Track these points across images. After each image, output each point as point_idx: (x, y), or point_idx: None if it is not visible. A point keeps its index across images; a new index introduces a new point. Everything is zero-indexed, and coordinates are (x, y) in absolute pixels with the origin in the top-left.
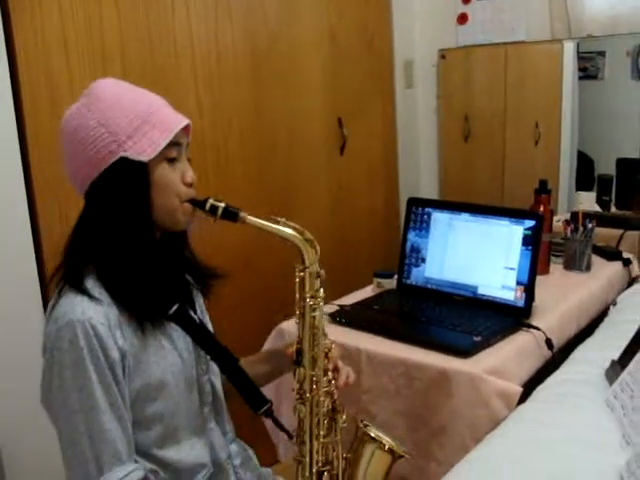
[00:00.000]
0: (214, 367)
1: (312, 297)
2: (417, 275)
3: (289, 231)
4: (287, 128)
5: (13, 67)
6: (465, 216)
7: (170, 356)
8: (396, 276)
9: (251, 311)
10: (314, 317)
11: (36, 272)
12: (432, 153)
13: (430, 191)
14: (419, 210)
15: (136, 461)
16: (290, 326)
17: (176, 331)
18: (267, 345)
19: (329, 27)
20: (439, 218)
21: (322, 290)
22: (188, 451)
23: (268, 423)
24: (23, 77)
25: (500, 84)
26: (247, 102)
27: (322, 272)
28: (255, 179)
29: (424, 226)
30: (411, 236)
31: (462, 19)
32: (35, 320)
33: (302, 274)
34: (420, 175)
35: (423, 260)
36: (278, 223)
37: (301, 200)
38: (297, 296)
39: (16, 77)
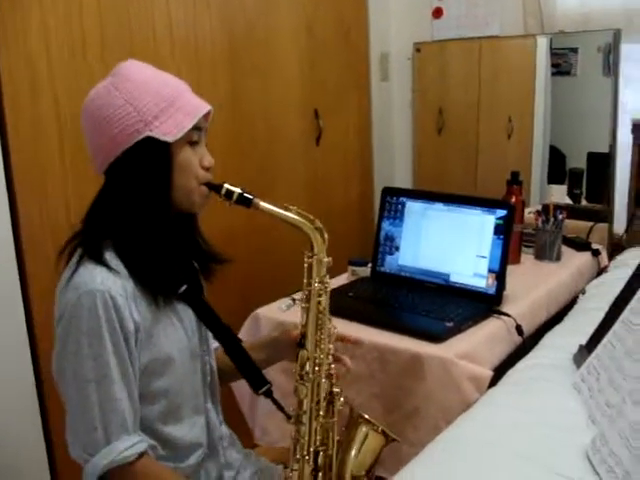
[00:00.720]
0: (211, 350)
1: (319, 282)
2: (391, 263)
3: (300, 219)
4: (264, 118)
5: None
6: (439, 205)
7: (178, 333)
8: (370, 264)
9: (231, 297)
10: (320, 302)
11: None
12: (407, 145)
13: (404, 182)
14: (393, 199)
15: (139, 434)
16: (266, 311)
17: (183, 310)
18: (243, 332)
19: (305, 18)
20: (413, 207)
21: (328, 277)
22: (188, 429)
23: (245, 408)
24: (2, 63)
25: (474, 78)
26: (225, 91)
27: (329, 260)
28: (232, 169)
29: (398, 215)
30: (385, 225)
31: (437, 13)
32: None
33: (310, 260)
34: (394, 166)
35: (397, 248)
36: (289, 211)
37: (278, 189)
38: (305, 281)
39: None
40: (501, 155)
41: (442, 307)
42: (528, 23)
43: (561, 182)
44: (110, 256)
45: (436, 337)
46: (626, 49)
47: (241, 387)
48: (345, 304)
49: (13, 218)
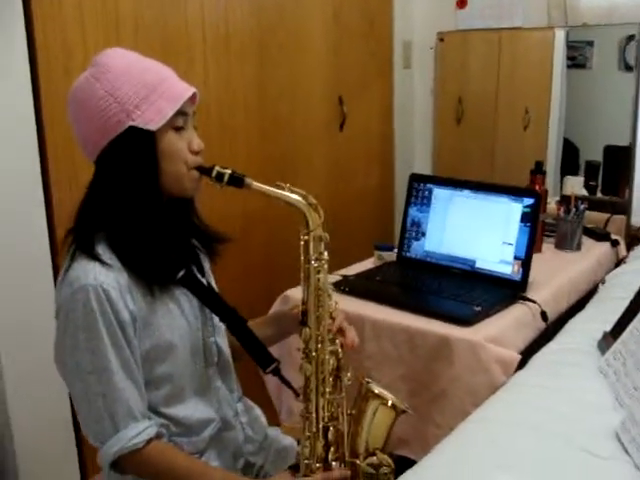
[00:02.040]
0: (221, 329)
1: (317, 260)
2: (417, 248)
3: (293, 196)
4: (290, 103)
5: (30, 34)
6: (466, 192)
7: (178, 319)
8: (396, 249)
9: (257, 279)
10: (318, 279)
11: (47, 241)
12: (427, 133)
13: (423, 169)
14: (420, 186)
15: (150, 418)
16: (295, 293)
17: (183, 295)
18: (273, 310)
19: (332, 6)
20: (440, 194)
21: (326, 253)
22: (193, 409)
23: (271, 387)
24: (40, 49)
25: (493, 69)
26: (252, 76)
27: (326, 235)
28: (257, 153)
29: (425, 201)
30: (412, 211)
31: (461, 3)
32: (46, 290)
33: (306, 237)
34: (414, 153)
35: (423, 234)
36: (283, 189)
37: (301, 173)
38: (302, 259)
39: (33, 43)
40: (518, 146)
41: (469, 292)
42: (552, 15)
43: (574, 174)
44: (102, 249)
45: (465, 321)
46: None
47: None
48: (373, 287)
49: (47, 207)
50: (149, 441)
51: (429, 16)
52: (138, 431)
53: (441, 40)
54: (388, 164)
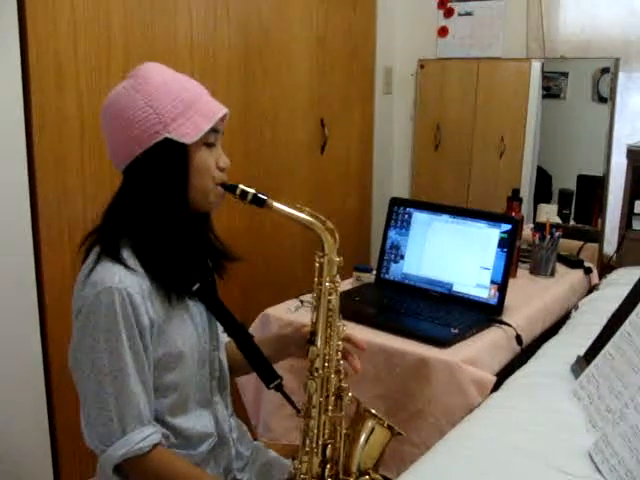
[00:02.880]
0: (221, 345)
1: (330, 282)
2: (395, 271)
3: (312, 220)
4: (273, 124)
5: (24, 45)
6: (445, 217)
7: (189, 330)
8: (374, 271)
9: (236, 297)
10: (330, 300)
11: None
12: (405, 158)
13: (401, 193)
14: (400, 209)
15: (154, 425)
16: (276, 311)
17: (195, 307)
18: (253, 329)
19: (317, 30)
20: (419, 218)
21: (338, 277)
22: (195, 421)
23: (248, 402)
24: (32, 59)
25: (471, 97)
26: (237, 96)
27: (340, 260)
28: (240, 172)
29: (404, 225)
30: (391, 233)
31: (442, 32)
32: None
33: (322, 260)
34: (392, 177)
35: (402, 257)
36: (302, 211)
37: (282, 194)
38: (315, 280)
39: (26, 55)
40: (492, 173)
41: (447, 314)
42: (530, 47)
43: (547, 202)
44: (127, 254)
45: (442, 342)
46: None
47: (245, 384)
48: (352, 307)
49: (32, 207)
50: (155, 446)
51: (411, 43)
52: (145, 435)
53: (422, 67)
54: (366, 188)
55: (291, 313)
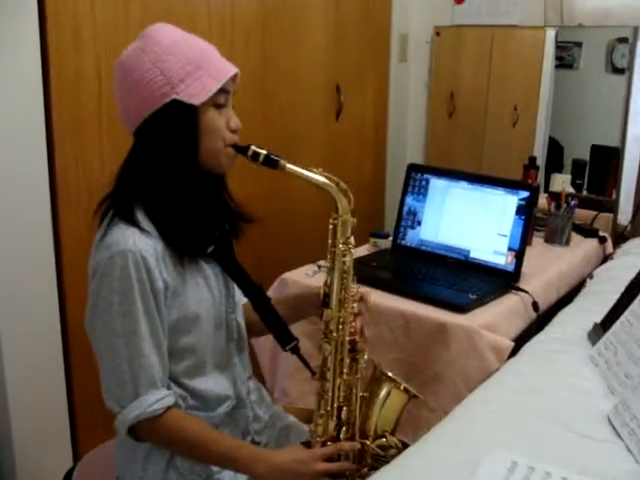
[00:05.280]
0: (239, 307)
1: (344, 243)
2: (412, 237)
3: (326, 181)
4: (289, 89)
5: (42, 8)
6: (462, 184)
7: (204, 292)
8: (391, 237)
9: (253, 262)
10: (344, 262)
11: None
12: (420, 125)
13: (415, 160)
14: (418, 176)
15: (169, 387)
16: (293, 276)
17: (210, 270)
18: (270, 293)
19: None
20: (437, 184)
21: (352, 238)
22: (213, 383)
23: (265, 367)
24: (50, 19)
25: (485, 66)
26: (255, 59)
27: (354, 221)
28: (260, 134)
29: (422, 191)
30: (409, 200)
31: None
32: (45, 253)
33: (335, 221)
34: (407, 144)
35: (419, 223)
36: (315, 172)
37: (301, 158)
38: (329, 242)
39: (44, 18)
40: (506, 142)
41: (464, 281)
42: (548, 15)
43: (559, 172)
44: (141, 217)
45: (460, 308)
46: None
47: (261, 348)
48: (369, 273)
49: (51, 171)
50: (167, 409)
51: (426, 10)
52: (158, 398)
53: (437, 34)
54: (381, 155)
55: (309, 277)
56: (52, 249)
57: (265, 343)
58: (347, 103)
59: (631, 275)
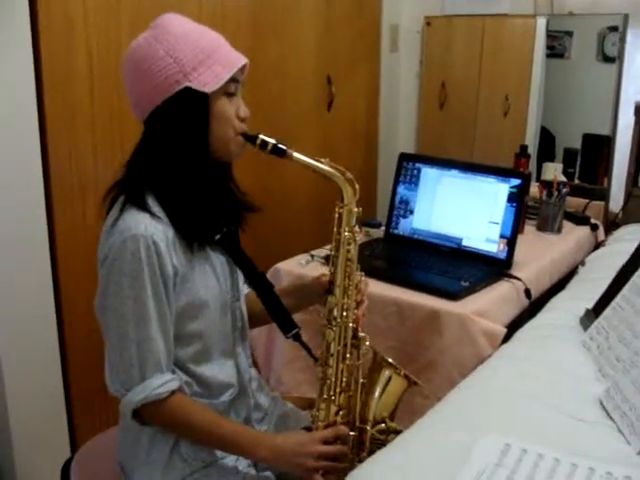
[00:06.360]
0: (242, 296)
1: (349, 232)
2: (405, 226)
3: (332, 170)
4: (280, 80)
5: (33, 5)
6: (454, 172)
7: (211, 279)
8: (383, 226)
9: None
10: (349, 250)
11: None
12: (411, 115)
13: (407, 150)
14: (409, 165)
15: (173, 373)
16: (286, 266)
17: (216, 257)
18: None
19: None
20: (429, 173)
21: (357, 227)
22: (218, 370)
23: (260, 356)
24: (41, 14)
25: (476, 55)
26: (245, 49)
27: (359, 210)
28: (248, 127)
29: (413, 180)
30: (400, 189)
31: None
32: (40, 246)
33: (341, 210)
34: (398, 135)
35: (411, 212)
36: (321, 162)
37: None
38: (334, 230)
39: (36, 15)
40: (497, 132)
41: (456, 268)
42: (538, 3)
43: (550, 161)
44: (152, 202)
45: (453, 295)
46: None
47: (256, 338)
48: (362, 261)
49: (44, 162)
50: (172, 393)
51: (417, 0)
52: (163, 381)
53: (428, 24)
54: (372, 145)
55: (302, 267)
56: (47, 243)
57: (260, 332)
58: (338, 94)
59: (622, 261)
